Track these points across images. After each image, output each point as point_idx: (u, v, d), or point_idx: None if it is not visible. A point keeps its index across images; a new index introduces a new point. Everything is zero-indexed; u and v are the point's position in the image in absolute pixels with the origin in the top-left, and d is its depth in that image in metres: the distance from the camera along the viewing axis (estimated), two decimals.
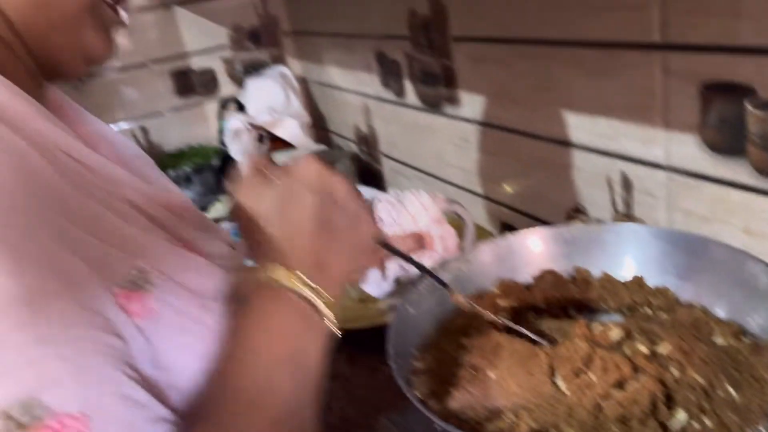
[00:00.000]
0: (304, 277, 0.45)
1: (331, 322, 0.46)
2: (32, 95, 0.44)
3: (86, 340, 0.36)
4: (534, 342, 0.55)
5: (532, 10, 0.85)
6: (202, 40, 1.71)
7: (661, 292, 0.61)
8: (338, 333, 0.47)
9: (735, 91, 0.62)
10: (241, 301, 0.45)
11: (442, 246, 0.65)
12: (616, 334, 0.53)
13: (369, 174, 1.58)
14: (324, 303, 0.46)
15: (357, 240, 0.50)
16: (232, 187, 0.50)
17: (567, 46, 0.81)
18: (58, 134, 0.43)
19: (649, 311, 0.61)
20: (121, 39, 1.65)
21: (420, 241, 0.64)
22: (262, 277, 0.45)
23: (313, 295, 0.45)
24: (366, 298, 1.05)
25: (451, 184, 1.22)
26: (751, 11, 0.58)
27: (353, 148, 1.66)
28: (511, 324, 0.56)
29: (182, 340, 0.43)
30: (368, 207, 0.51)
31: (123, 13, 0.51)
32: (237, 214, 0.50)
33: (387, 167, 1.51)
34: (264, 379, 0.42)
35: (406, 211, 0.64)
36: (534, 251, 0.68)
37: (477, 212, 1.15)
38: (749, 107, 0.61)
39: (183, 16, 1.68)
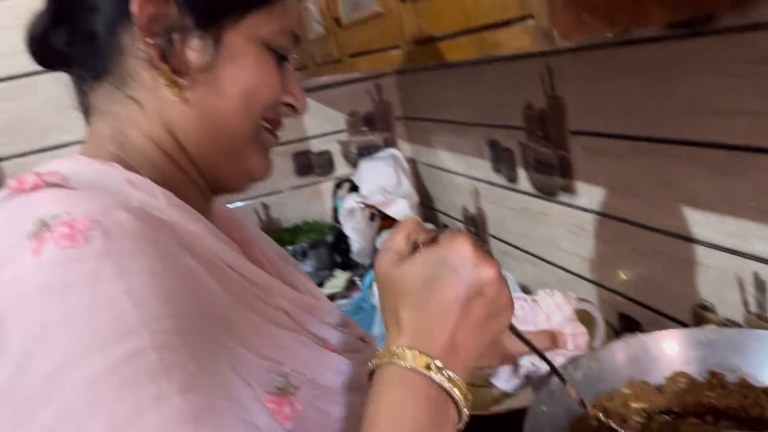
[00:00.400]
0: (440, 364, 0.44)
1: (464, 410, 0.45)
2: (203, 211, 0.53)
3: None
4: None
5: (652, 109, 0.88)
6: (322, 124, 1.85)
7: None
8: (466, 419, 0.46)
9: None
10: (374, 389, 0.45)
11: (573, 344, 0.67)
12: None
13: None
14: (458, 391, 0.44)
15: (495, 328, 0.49)
16: (380, 251, 0.51)
17: (688, 146, 0.83)
18: (225, 250, 0.50)
19: None
20: None
21: (553, 339, 0.66)
22: (395, 361, 0.44)
23: (448, 384, 0.44)
24: (478, 384, 1.07)
25: (563, 269, 1.23)
26: None
27: (460, 228, 1.71)
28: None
29: None
30: (510, 296, 0.49)
31: (278, 135, 0.59)
32: (379, 281, 0.50)
33: (495, 248, 1.54)
34: None
35: (540, 309, 0.67)
36: (668, 353, 0.68)
37: (591, 300, 1.15)
38: None
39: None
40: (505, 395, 0.85)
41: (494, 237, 1.53)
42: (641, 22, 0.46)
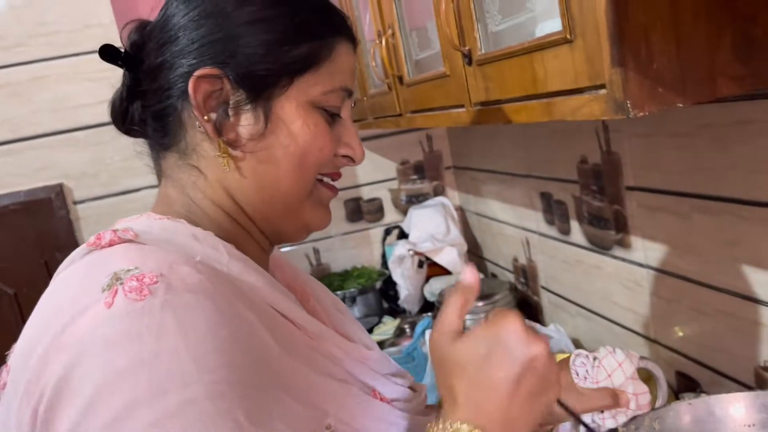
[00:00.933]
0: None
1: None
2: (261, 262, 0.57)
3: None
4: None
5: (711, 168, 0.89)
6: (373, 172, 1.90)
7: None
8: None
9: None
10: None
11: (636, 404, 0.66)
12: None
13: (526, 305, 1.60)
14: None
15: (545, 401, 0.51)
16: (433, 327, 0.53)
17: (753, 206, 0.83)
18: (281, 300, 0.53)
19: None
20: None
21: (614, 397, 0.66)
22: None
23: None
24: None
25: (617, 324, 1.22)
26: None
27: (509, 278, 1.71)
28: None
29: None
30: (559, 370, 0.51)
31: (336, 186, 0.62)
32: (434, 356, 0.52)
33: (545, 300, 1.53)
34: None
35: (602, 367, 0.67)
36: (733, 415, 0.67)
37: (647, 357, 1.13)
38: None
39: None
40: None
41: (545, 289, 1.52)
42: (713, 95, 0.48)
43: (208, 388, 0.42)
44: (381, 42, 1.02)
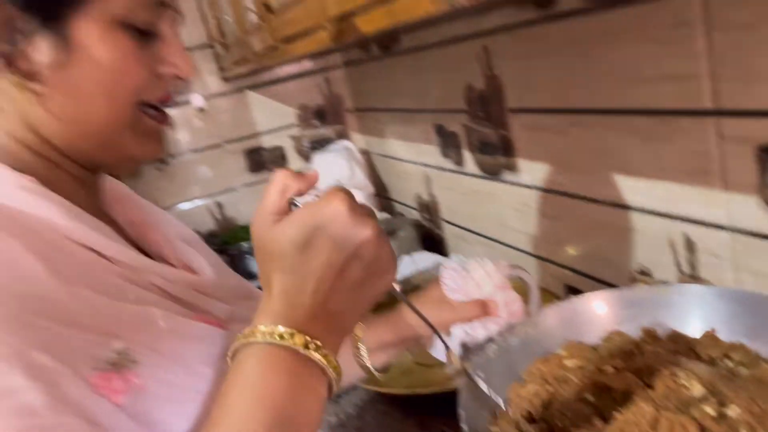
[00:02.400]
0: (307, 338, 0.43)
1: (330, 375, 0.44)
2: (76, 194, 0.52)
3: None
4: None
5: (584, 81, 0.90)
6: (272, 120, 1.84)
7: (738, 347, 0.61)
8: (336, 386, 0.45)
9: None
10: (233, 364, 0.44)
11: (507, 312, 0.67)
12: (698, 390, 0.54)
13: (431, 240, 1.62)
14: (322, 356, 0.43)
15: (375, 290, 0.47)
16: (255, 216, 0.48)
17: (620, 115, 0.85)
18: (80, 229, 0.49)
19: (730, 364, 0.61)
20: (198, 122, 1.79)
21: (484, 307, 0.67)
22: (257, 334, 0.43)
23: (314, 353, 0.43)
24: (433, 364, 1.07)
25: (513, 248, 1.25)
26: None
27: (415, 215, 1.72)
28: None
29: (172, 409, 0.47)
30: (392, 255, 0.47)
31: (169, 114, 0.56)
32: (254, 243, 0.48)
33: (449, 233, 1.55)
34: None
35: (471, 279, 0.67)
36: (599, 314, 0.69)
37: (541, 276, 1.17)
38: None
39: (254, 99, 1.82)
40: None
41: (447, 222, 1.54)
42: None
43: None
44: None
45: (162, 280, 0.53)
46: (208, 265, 0.62)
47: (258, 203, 0.47)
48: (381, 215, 1.74)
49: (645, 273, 0.90)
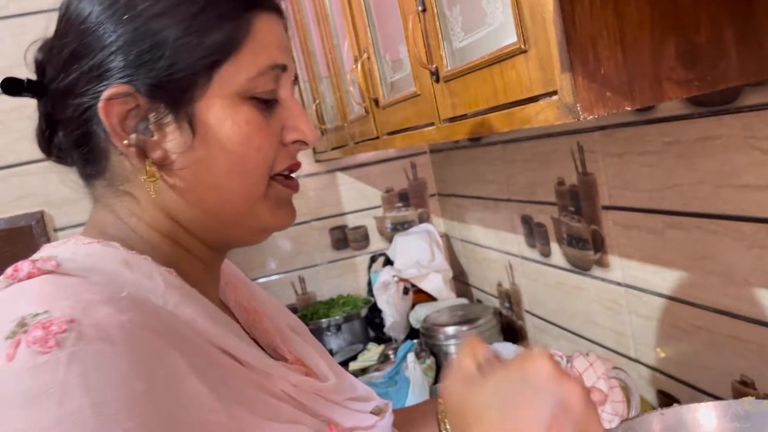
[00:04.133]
0: None
1: None
2: (205, 282, 0.52)
3: None
4: None
5: (682, 184, 0.90)
6: (358, 200, 1.91)
7: None
8: None
9: None
10: None
11: (612, 408, 0.66)
12: None
13: (511, 330, 1.60)
14: None
15: None
16: (446, 377, 0.48)
17: (721, 219, 0.84)
18: (221, 334, 0.47)
19: None
20: None
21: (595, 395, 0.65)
22: None
23: None
24: None
25: (601, 345, 1.22)
26: None
27: (494, 302, 1.71)
28: None
29: None
30: (597, 412, 0.46)
31: (296, 180, 0.55)
32: (450, 404, 0.48)
33: (530, 324, 1.53)
34: None
35: (575, 368, 0.67)
36: (703, 425, 0.67)
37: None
38: None
39: (343, 180, 1.91)
40: None
41: (529, 312, 1.52)
42: (660, 98, 0.49)
43: None
44: (357, 66, 1.05)
45: (292, 388, 0.51)
46: (322, 362, 0.60)
47: (449, 369, 0.48)
48: (460, 301, 1.75)
49: (747, 384, 0.86)
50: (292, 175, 0.55)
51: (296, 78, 0.56)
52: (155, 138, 0.49)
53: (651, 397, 1.08)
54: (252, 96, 0.50)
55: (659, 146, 0.93)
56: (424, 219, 1.96)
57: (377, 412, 0.60)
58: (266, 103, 0.51)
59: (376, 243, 1.93)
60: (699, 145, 0.85)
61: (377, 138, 1.08)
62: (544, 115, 0.53)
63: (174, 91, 0.48)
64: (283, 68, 0.51)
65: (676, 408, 0.68)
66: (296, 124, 0.52)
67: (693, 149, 0.87)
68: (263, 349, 0.57)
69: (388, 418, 0.61)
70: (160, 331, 0.43)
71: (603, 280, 1.15)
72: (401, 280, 1.73)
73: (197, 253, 0.53)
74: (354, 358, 1.59)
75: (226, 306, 0.59)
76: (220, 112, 0.48)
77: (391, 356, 1.54)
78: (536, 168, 1.31)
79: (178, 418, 0.41)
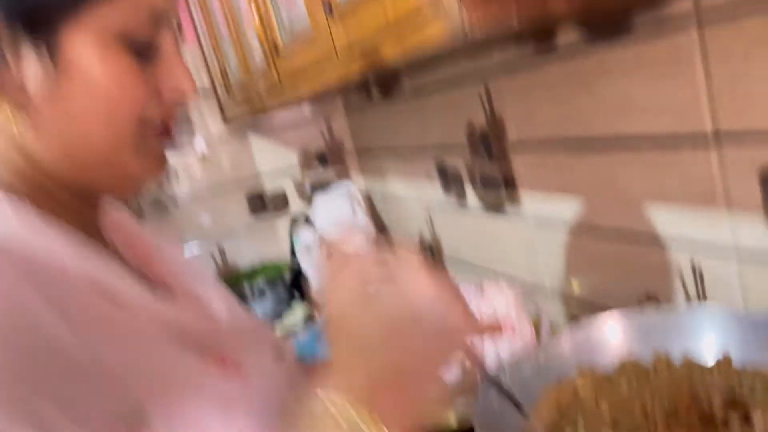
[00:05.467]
0: (366, 415, 0.40)
1: None
2: (73, 224, 0.48)
3: None
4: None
5: (586, 112, 0.92)
6: (274, 163, 1.86)
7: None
8: None
9: None
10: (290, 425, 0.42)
11: (520, 335, 0.67)
12: None
13: None
14: None
15: (444, 355, 0.46)
16: (329, 290, 0.49)
17: (622, 141, 0.87)
18: (85, 260, 0.45)
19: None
20: (199, 169, 1.81)
21: (498, 326, 0.67)
22: (315, 403, 0.41)
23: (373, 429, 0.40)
24: None
25: (520, 281, 1.25)
26: None
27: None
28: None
29: None
30: (471, 314, 0.46)
31: (172, 129, 0.51)
32: (332, 322, 0.47)
33: (452, 271, 1.55)
34: None
35: (485, 297, 0.68)
36: (611, 337, 0.69)
37: (550, 308, 1.16)
38: None
39: (258, 144, 1.85)
40: None
41: (451, 258, 1.54)
42: (544, 11, 0.49)
43: None
44: (253, 12, 1.00)
45: (173, 320, 0.49)
46: (220, 301, 0.59)
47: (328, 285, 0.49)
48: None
49: (652, 298, 0.90)
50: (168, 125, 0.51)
51: (180, 28, 0.51)
52: (11, 67, 0.44)
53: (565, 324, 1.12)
54: (127, 38, 0.46)
55: (560, 78, 0.94)
56: (343, 177, 1.94)
57: (276, 353, 0.59)
58: (143, 49, 0.47)
59: (296, 205, 1.90)
60: (596, 74, 0.87)
61: (280, 84, 1.04)
62: (432, 35, 0.51)
63: (36, 13, 0.43)
64: (164, 15, 0.48)
65: (582, 323, 0.70)
66: (173, 73, 0.49)
67: (591, 78, 0.88)
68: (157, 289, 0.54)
69: (287, 360, 0.60)
70: (14, 265, 0.40)
71: (516, 217, 1.17)
72: (324, 240, 1.70)
73: (62, 196, 0.49)
74: (279, 317, 1.57)
75: (114, 249, 0.56)
76: (90, 49, 0.44)
77: (317, 315, 1.52)
78: (448, 115, 1.31)
79: (36, 359, 0.38)
